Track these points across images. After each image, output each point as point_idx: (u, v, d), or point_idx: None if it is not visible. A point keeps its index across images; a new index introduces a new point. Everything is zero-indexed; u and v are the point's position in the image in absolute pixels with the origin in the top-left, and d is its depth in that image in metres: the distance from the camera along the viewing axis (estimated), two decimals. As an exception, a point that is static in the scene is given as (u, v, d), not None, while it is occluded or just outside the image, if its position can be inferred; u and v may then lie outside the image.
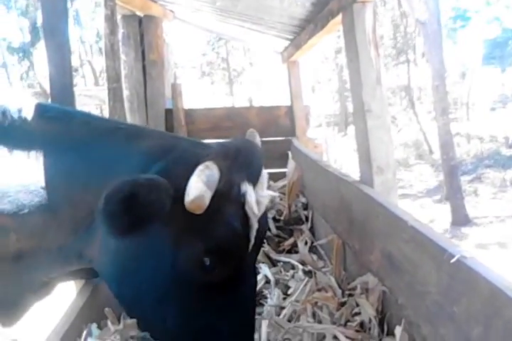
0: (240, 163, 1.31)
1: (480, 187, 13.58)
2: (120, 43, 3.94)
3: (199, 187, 1.14)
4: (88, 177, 1.41)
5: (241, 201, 1.25)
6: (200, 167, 1.19)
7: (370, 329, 1.62)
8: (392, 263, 1.56)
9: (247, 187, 1.26)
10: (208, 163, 1.20)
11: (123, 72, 3.92)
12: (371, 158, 2.07)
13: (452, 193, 11.33)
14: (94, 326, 1.85)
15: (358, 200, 2.03)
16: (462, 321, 1.11)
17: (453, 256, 1.15)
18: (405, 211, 1.60)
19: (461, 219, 10.99)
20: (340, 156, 17.45)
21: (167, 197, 1.13)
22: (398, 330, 1.41)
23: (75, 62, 15.61)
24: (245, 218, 1.26)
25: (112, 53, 3.87)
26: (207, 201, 1.15)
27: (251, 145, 1.46)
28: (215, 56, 27.02)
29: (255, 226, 1.27)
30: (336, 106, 25.77)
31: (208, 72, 27.81)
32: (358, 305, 1.79)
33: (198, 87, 26.23)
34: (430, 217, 11.15)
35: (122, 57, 3.91)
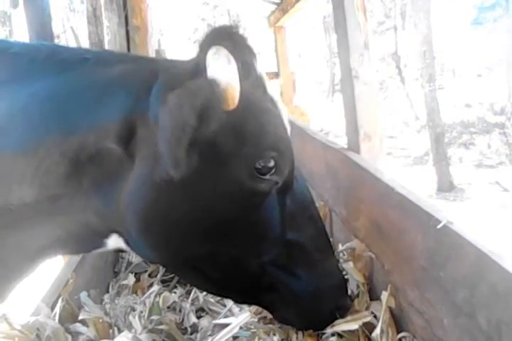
0: (241, 44, 1.07)
1: (465, 153, 13.68)
2: (103, 8, 3.82)
3: (223, 67, 0.91)
4: (68, 117, 1.08)
5: (263, 85, 1.05)
6: (212, 51, 0.93)
7: (358, 295, 1.63)
8: (379, 230, 1.57)
9: (260, 68, 1.06)
10: (217, 47, 0.94)
11: (106, 38, 3.81)
12: (358, 125, 2.06)
13: (438, 160, 11.41)
14: (84, 295, 1.86)
15: (345, 167, 2.02)
16: (448, 285, 1.12)
17: (439, 222, 1.16)
18: (392, 177, 1.60)
19: (446, 186, 11.11)
20: (327, 123, 17.38)
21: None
22: (384, 295, 1.43)
23: (58, 28, 15.16)
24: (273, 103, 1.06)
25: (94, 19, 3.77)
26: (237, 84, 0.92)
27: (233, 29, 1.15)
28: (201, 22, 26.48)
29: (284, 110, 1.09)
30: (323, 73, 25.52)
31: (193, 38, 27.31)
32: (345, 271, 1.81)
33: (183, 54, 25.79)
34: (416, 183, 11.26)
35: (105, 22, 3.80)
